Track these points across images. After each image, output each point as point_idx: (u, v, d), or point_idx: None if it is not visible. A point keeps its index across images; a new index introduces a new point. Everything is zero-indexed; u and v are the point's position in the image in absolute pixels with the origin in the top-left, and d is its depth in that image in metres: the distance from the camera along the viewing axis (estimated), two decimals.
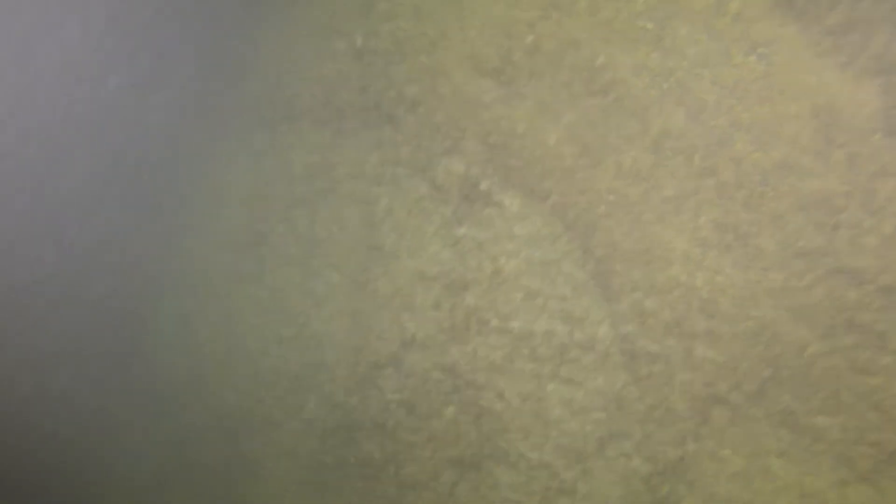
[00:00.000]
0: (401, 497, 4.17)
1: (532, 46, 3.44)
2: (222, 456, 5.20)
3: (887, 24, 2.75)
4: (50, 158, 5.38)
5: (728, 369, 3.12)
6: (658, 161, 3.24)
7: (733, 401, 3.13)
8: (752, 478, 3.11)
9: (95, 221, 5.34)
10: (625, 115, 3.29)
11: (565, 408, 3.35)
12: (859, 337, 2.89)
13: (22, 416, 5.67)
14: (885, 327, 2.85)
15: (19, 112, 5.40)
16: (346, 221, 4.00)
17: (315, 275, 4.21)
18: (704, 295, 3.18)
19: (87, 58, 5.19)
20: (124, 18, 4.99)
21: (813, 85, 2.95)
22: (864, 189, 2.87)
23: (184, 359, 5.14)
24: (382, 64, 3.77)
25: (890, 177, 2.83)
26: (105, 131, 5.21)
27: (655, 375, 3.32)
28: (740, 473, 3.13)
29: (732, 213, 3.14)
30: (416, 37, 3.66)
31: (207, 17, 4.64)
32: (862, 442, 2.92)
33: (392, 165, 3.67)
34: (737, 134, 3.08)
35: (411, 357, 3.84)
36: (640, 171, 3.25)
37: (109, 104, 5.16)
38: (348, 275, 4.05)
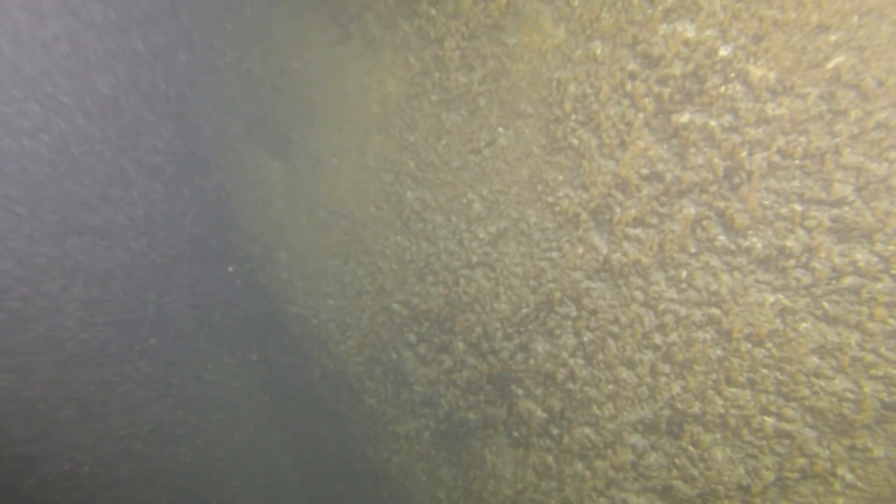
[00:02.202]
0: (563, 467, 3.30)
1: None
2: (342, 408, 4.57)
3: None
4: None
5: None
6: None
7: None
8: None
9: None
10: None
11: (825, 356, 2.34)
12: None
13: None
14: None
15: None
16: (522, 118, 3.21)
17: (472, 185, 3.45)
18: None
19: None
20: None
21: None
22: None
23: (304, 291, 4.58)
24: None
25: None
26: None
27: None
28: None
29: None
30: None
31: None
32: None
33: (583, 36, 2.84)
34: None
35: (600, 289, 2.98)
36: None
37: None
38: (519, 183, 3.25)
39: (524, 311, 3.28)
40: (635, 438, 2.98)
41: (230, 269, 5.20)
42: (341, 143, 4.01)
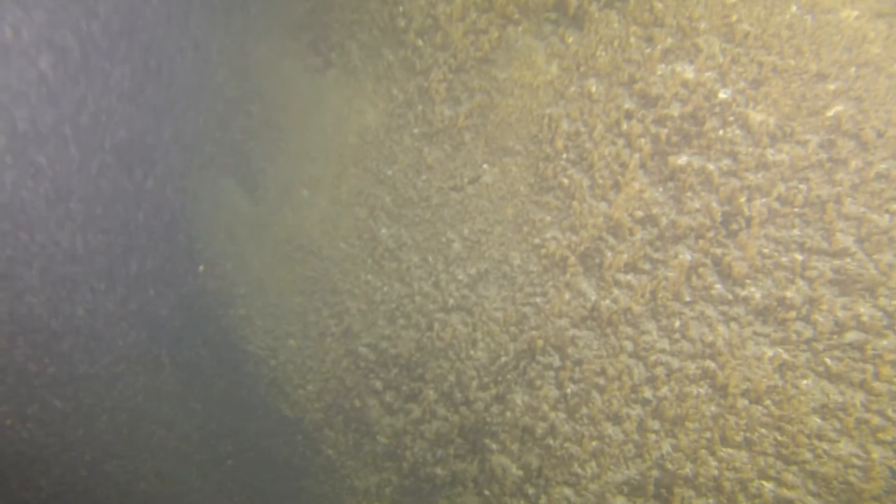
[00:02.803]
0: None
1: None
2: (296, 459, 4.23)
3: None
4: None
5: None
6: None
7: None
8: None
9: None
10: None
11: (827, 417, 2.20)
12: None
13: None
14: None
15: None
16: (509, 155, 3.08)
17: (452, 223, 3.27)
18: None
19: None
20: None
21: None
22: None
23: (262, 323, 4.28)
24: None
25: None
26: None
27: None
28: None
29: None
30: None
31: None
32: None
33: (578, 73, 2.75)
34: None
35: (586, 338, 2.80)
36: None
37: None
38: (503, 222, 3.08)
39: (503, 359, 3.06)
40: (620, 501, 2.75)
41: (201, 268, 4.85)
42: (314, 175, 3.80)
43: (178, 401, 5.24)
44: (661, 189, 2.56)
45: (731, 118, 2.36)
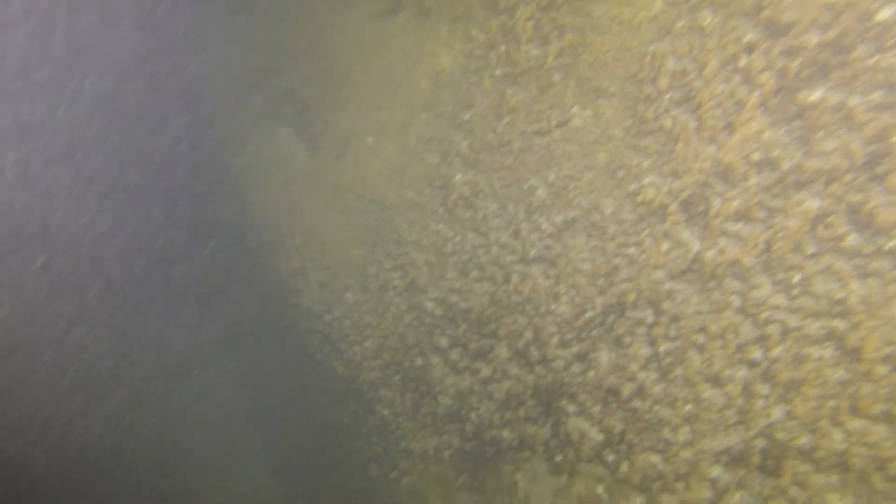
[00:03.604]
0: (618, 500, 2.85)
1: None
2: (346, 419, 4.07)
3: None
4: None
5: None
6: None
7: None
8: None
9: None
10: None
11: None
12: None
13: None
14: None
15: None
16: (603, 97, 2.84)
17: (537, 169, 3.05)
18: None
19: None
20: None
21: None
22: None
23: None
24: None
25: None
26: None
27: None
28: None
29: None
30: None
31: None
32: None
33: (687, 6, 2.50)
34: None
35: (685, 292, 2.57)
36: None
37: None
38: (594, 168, 2.86)
39: (588, 314, 2.85)
40: (717, 471, 2.54)
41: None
42: (380, 122, 3.58)
43: (223, 355, 5.10)
44: (784, 129, 2.31)
45: (892, 42, 2.10)
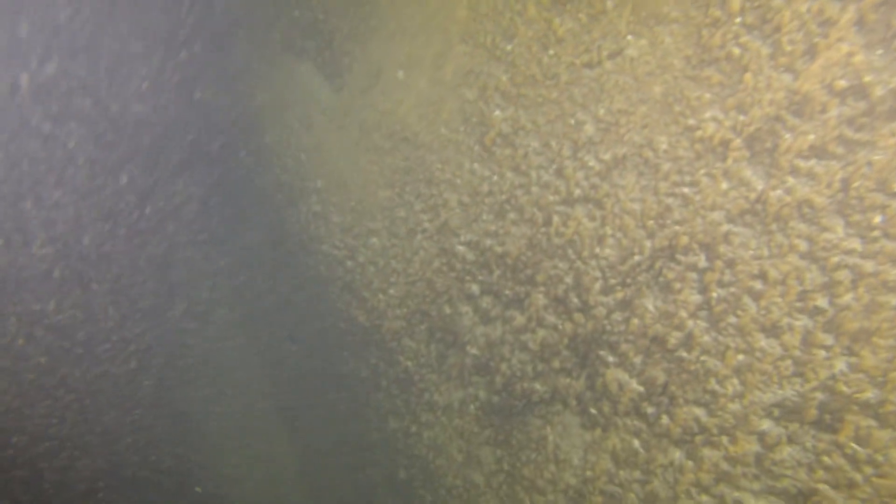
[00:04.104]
0: (655, 454, 2.71)
1: None
2: (365, 370, 3.92)
3: None
4: None
5: None
6: None
7: None
8: None
9: None
10: None
11: None
12: None
13: None
14: None
15: None
16: (662, 23, 2.61)
17: (585, 103, 2.84)
18: None
19: None
20: None
21: None
22: None
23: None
24: None
25: None
26: None
27: None
28: None
29: None
30: None
31: None
32: None
33: None
34: None
35: (745, 235, 2.38)
36: None
37: None
38: (649, 102, 2.64)
39: (636, 258, 2.67)
40: (766, 425, 2.38)
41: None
42: (411, 54, 3.35)
43: (237, 301, 4.95)
44: (881, 51, 2.09)
45: None
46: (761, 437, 2.48)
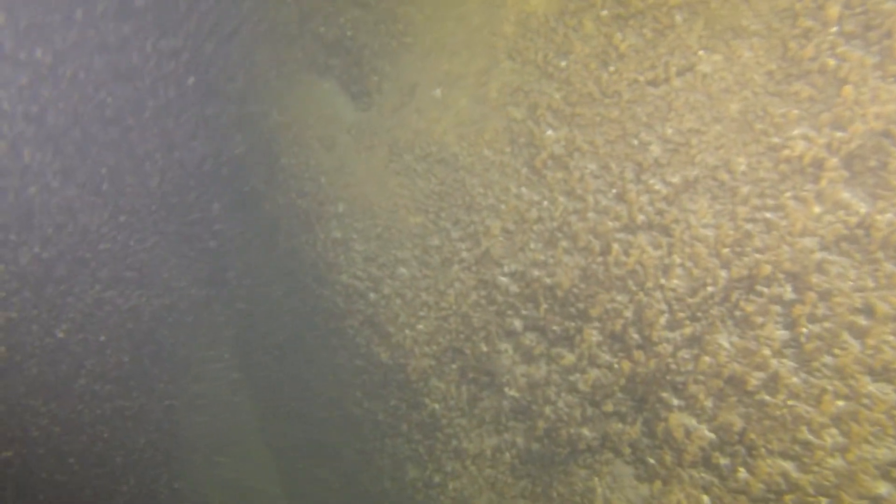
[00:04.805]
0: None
1: None
2: (385, 414, 3.57)
3: None
4: None
5: None
6: None
7: None
8: None
9: None
10: None
11: None
12: None
13: None
14: None
15: None
16: (741, 37, 2.43)
17: (649, 123, 2.62)
18: None
19: None
20: None
21: None
22: None
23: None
24: None
25: None
26: None
27: None
28: None
29: None
30: None
31: None
32: None
33: None
34: None
35: (842, 264, 2.13)
36: None
37: None
38: (724, 120, 2.43)
39: (708, 289, 2.40)
40: (883, 489, 2.07)
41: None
42: (451, 72, 3.14)
43: (237, 343, 4.57)
44: None
45: None
46: (876, 503, 2.16)
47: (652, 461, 2.70)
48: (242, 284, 4.35)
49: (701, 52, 2.50)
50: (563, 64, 2.84)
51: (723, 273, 2.44)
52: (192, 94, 4.16)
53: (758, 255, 2.35)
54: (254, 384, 4.84)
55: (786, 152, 2.29)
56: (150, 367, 4.57)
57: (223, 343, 4.67)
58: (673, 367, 2.56)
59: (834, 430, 2.20)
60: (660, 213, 2.57)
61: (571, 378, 2.86)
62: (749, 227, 2.38)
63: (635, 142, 2.62)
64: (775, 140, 2.32)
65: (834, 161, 2.20)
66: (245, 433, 4.79)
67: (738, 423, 2.43)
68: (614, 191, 2.69)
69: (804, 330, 2.26)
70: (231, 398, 4.84)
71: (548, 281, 2.85)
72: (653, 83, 2.61)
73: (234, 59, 4.09)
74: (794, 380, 2.28)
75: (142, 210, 4.27)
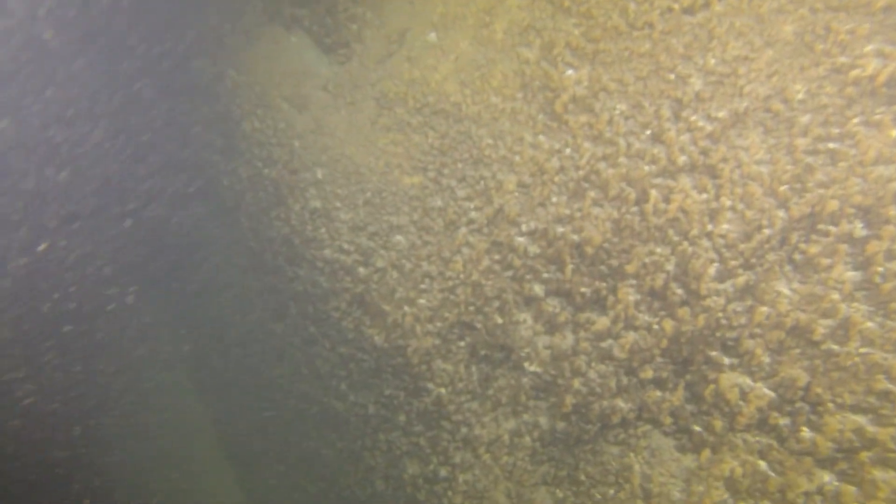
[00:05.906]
0: (792, 478, 2.16)
1: None
2: (381, 403, 3.19)
3: None
4: None
5: None
6: None
7: None
8: None
9: None
10: None
11: None
12: None
13: None
14: None
15: None
16: None
17: (687, 54, 2.36)
18: None
19: None
20: None
21: None
22: None
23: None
24: None
25: None
26: None
27: None
28: None
29: None
30: None
31: None
32: None
33: None
34: None
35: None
36: None
37: None
38: (776, 45, 2.19)
39: (764, 232, 2.15)
40: None
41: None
42: (447, 13, 2.78)
43: (210, 331, 4.03)
44: None
45: None
46: None
47: (698, 429, 2.43)
48: (194, 278, 3.81)
49: None
50: None
51: (780, 213, 2.19)
52: (132, 60, 3.60)
53: (821, 191, 2.11)
54: (206, 390, 4.29)
55: (854, 73, 2.06)
56: (84, 376, 3.97)
57: (168, 344, 4.11)
58: (724, 322, 2.29)
59: None
60: (704, 152, 2.29)
61: (604, 345, 2.55)
62: (810, 160, 2.14)
63: (671, 76, 2.34)
64: (841, 60, 2.08)
65: None
66: (201, 447, 4.25)
67: (803, 378, 2.18)
68: (649, 132, 2.40)
69: (879, 269, 2.03)
70: (182, 407, 4.29)
71: (574, 238, 2.53)
72: (689, 11, 2.33)
73: (179, 12, 3.57)
74: (869, 325, 2.05)
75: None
